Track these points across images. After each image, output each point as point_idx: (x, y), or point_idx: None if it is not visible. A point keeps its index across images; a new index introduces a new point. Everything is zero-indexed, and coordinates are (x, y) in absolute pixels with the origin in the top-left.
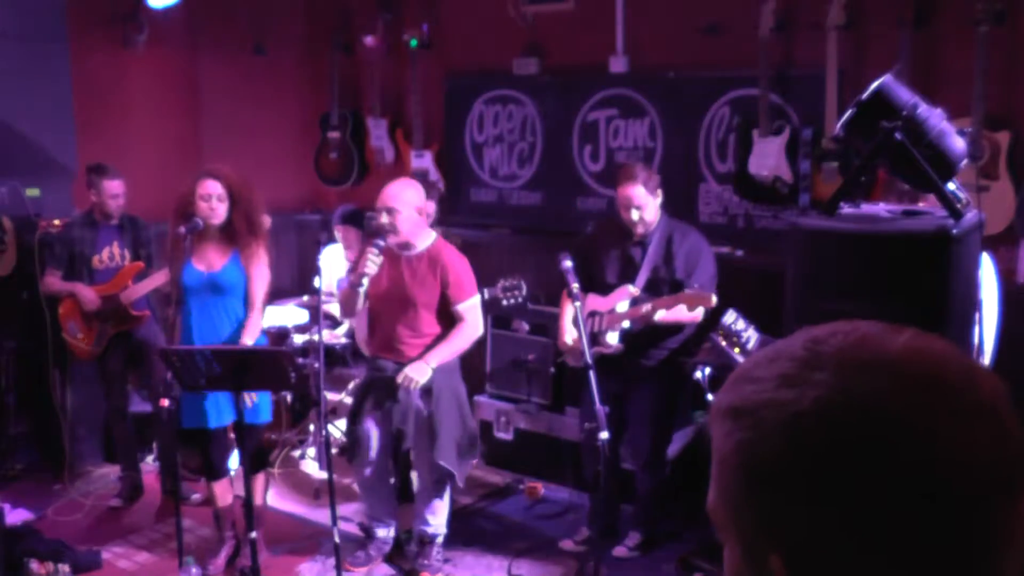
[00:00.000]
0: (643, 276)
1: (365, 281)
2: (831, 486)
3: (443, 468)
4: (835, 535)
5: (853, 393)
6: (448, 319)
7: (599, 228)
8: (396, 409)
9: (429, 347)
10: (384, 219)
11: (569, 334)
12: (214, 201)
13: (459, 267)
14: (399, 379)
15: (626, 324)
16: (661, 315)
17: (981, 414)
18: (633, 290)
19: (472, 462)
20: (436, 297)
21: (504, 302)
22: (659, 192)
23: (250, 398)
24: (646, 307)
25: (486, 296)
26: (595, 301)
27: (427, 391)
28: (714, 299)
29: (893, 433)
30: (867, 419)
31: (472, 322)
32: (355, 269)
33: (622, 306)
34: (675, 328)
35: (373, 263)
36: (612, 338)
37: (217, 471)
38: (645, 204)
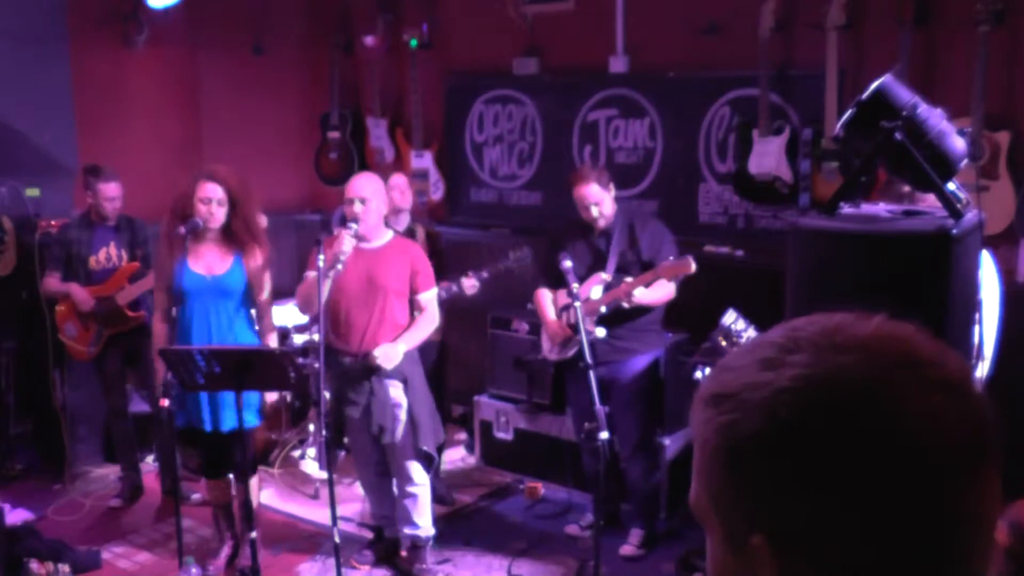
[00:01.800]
0: (612, 262)
1: (343, 258)
2: (806, 458)
3: (424, 452)
4: (812, 507)
5: (828, 370)
6: (411, 309)
7: (561, 228)
8: (375, 403)
9: (397, 337)
10: (357, 208)
11: (553, 315)
12: (214, 205)
13: (424, 258)
14: (376, 354)
15: (603, 309)
16: (640, 292)
17: (947, 389)
18: (605, 276)
19: (440, 441)
20: (407, 285)
21: (516, 271)
22: (611, 186)
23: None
24: (627, 280)
25: (501, 268)
26: (566, 298)
27: (403, 381)
28: (693, 265)
29: (863, 405)
30: (839, 392)
31: (432, 312)
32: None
33: (596, 292)
34: (644, 310)
35: (349, 242)
36: (591, 324)
37: (212, 470)
38: (601, 199)
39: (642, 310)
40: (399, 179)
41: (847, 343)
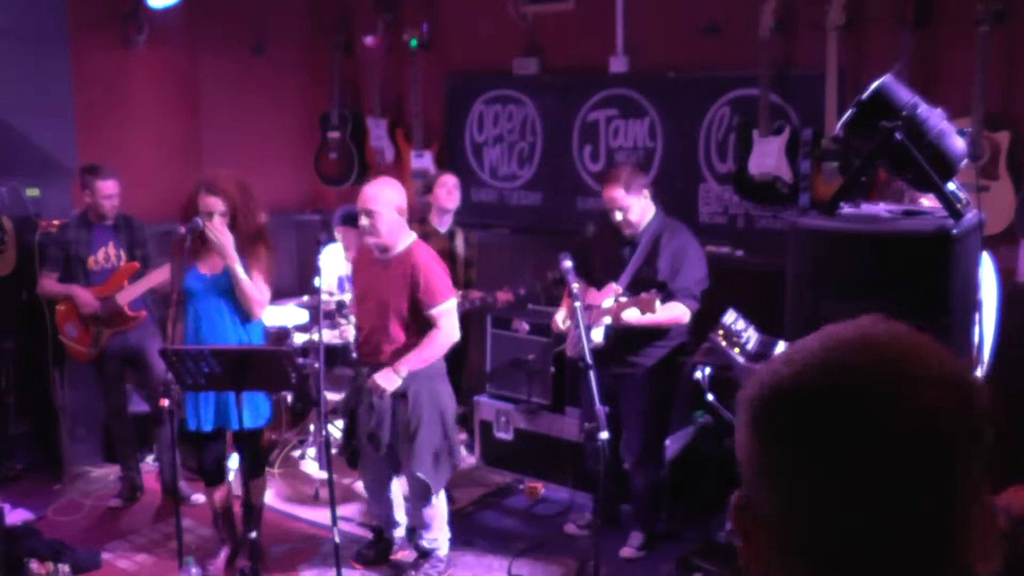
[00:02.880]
0: (627, 275)
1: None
2: (796, 427)
3: (419, 479)
4: (796, 473)
5: (831, 355)
6: (421, 324)
7: (599, 225)
8: (372, 413)
9: (400, 353)
10: (364, 221)
11: (560, 319)
12: (216, 218)
13: (431, 270)
14: (368, 384)
15: (608, 320)
16: (629, 315)
17: (945, 384)
18: (617, 288)
19: (447, 476)
20: (407, 301)
21: (554, 291)
22: (645, 192)
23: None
24: (614, 306)
25: (538, 287)
26: (590, 296)
27: (402, 396)
28: (657, 304)
29: (861, 387)
30: (839, 374)
31: (446, 328)
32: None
33: (607, 303)
34: (657, 327)
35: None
36: (596, 334)
37: (211, 475)
38: (628, 206)
39: (655, 328)
40: (449, 179)
41: (856, 338)
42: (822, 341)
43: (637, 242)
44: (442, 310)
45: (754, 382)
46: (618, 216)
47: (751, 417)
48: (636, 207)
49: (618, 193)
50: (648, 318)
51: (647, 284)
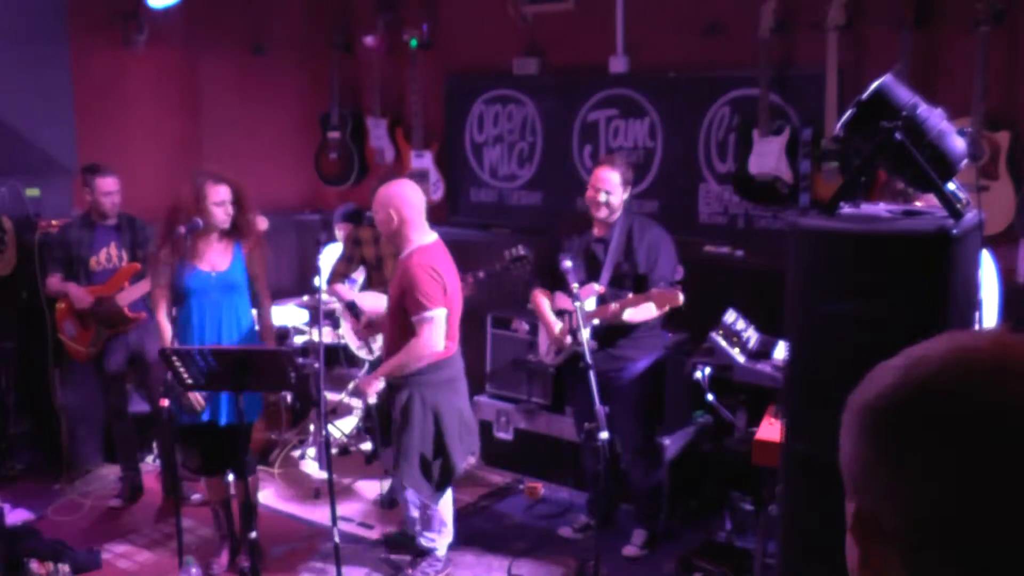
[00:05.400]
0: (607, 273)
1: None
2: (932, 427)
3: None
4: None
5: (965, 354)
6: (409, 331)
7: (560, 226)
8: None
9: (392, 355)
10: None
11: (558, 325)
12: (228, 206)
13: (418, 277)
14: (355, 384)
15: (595, 322)
16: (629, 314)
17: None
18: (598, 288)
19: (439, 482)
20: (398, 305)
21: (514, 271)
22: (629, 189)
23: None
24: (614, 306)
25: (497, 268)
26: (563, 300)
27: (397, 398)
28: (681, 297)
29: (1005, 382)
30: (980, 372)
31: (424, 337)
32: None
33: (589, 303)
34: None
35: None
36: (583, 335)
37: (210, 467)
38: (613, 189)
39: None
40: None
41: (981, 337)
42: (947, 343)
43: (608, 239)
44: (420, 319)
45: (869, 386)
46: (601, 197)
47: (871, 422)
48: (618, 195)
49: (610, 174)
50: (641, 314)
51: (627, 279)
